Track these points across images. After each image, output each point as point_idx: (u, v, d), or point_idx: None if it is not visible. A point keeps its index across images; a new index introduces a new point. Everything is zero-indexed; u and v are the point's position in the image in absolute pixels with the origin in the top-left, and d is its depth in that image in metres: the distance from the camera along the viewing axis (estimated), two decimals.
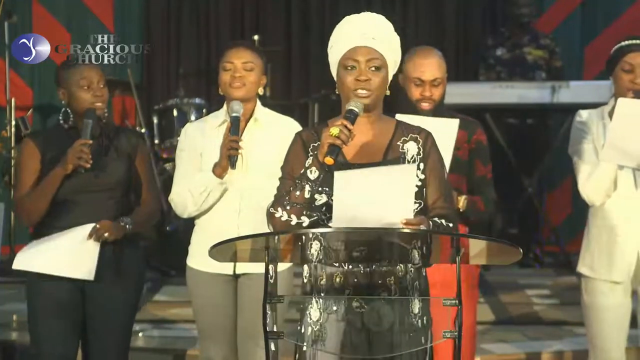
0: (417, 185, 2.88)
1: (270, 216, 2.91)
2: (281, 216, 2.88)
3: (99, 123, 3.85)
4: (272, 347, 2.71)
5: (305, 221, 2.88)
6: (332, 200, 2.79)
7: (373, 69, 2.91)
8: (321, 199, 2.87)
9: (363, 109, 2.89)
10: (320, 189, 2.86)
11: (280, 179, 3.01)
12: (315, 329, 2.81)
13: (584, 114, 4.03)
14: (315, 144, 2.95)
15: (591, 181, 3.90)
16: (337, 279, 2.83)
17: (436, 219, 2.90)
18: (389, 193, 2.71)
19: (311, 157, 2.90)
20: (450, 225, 2.91)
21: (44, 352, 3.80)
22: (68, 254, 3.75)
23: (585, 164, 3.94)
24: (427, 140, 2.98)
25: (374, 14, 3.00)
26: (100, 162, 3.81)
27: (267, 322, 2.68)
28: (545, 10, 8.46)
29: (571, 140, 4.04)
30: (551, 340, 5.32)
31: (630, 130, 3.74)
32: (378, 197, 2.70)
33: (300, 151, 2.98)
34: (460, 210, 3.85)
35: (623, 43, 3.96)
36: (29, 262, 3.79)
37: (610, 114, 3.90)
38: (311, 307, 2.83)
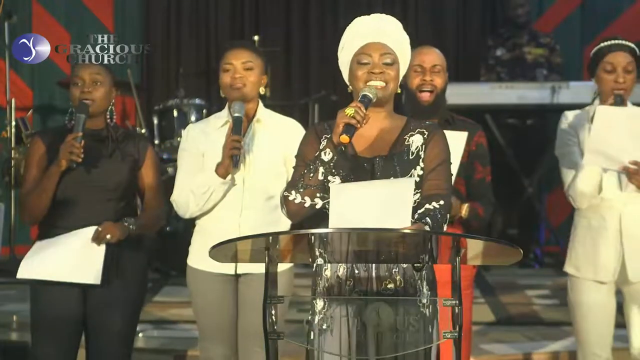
0: (418, 175, 2.92)
1: (284, 200, 2.95)
2: (294, 199, 2.91)
3: (108, 126, 3.86)
4: (272, 347, 2.71)
5: (319, 203, 2.91)
6: (349, 179, 2.86)
7: (386, 63, 2.97)
8: (334, 180, 2.90)
9: (377, 96, 2.92)
10: (333, 170, 2.90)
11: (294, 167, 3.06)
12: (320, 318, 2.85)
13: (569, 116, 4.10)
14: (328, 135, 2.96)
15: (576, 184, 3.95)
16: (341, 271, 2.87)
17: (427, 204, 2.88)
18: (386, 206, 2.72)
19: (325, 140, 2.93)
20: (442, 203, 2.88)
21: (44, 354, 3.80)
22: (73, 259, 3.73)
23: (571, 166, 4.00)
24: (432, 132, 3.00)
25: (384, 15, 3.08)
26: (102, 162, 3.81)
27: (267, 322, 2.68)
28: (545, 10, 8.47)
29: (557, 142, 4.10)
30: (551, 341, 5.32)
31: (610, 136, 3.79)
32: (375, 210, 2.71)
33: (314, 141, 3.02)
34: (463, 217, 3.90)
35: (602, 44, 4.02)
36: (34, 270, 3.77)
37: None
38: (318, 300, 2.88)
